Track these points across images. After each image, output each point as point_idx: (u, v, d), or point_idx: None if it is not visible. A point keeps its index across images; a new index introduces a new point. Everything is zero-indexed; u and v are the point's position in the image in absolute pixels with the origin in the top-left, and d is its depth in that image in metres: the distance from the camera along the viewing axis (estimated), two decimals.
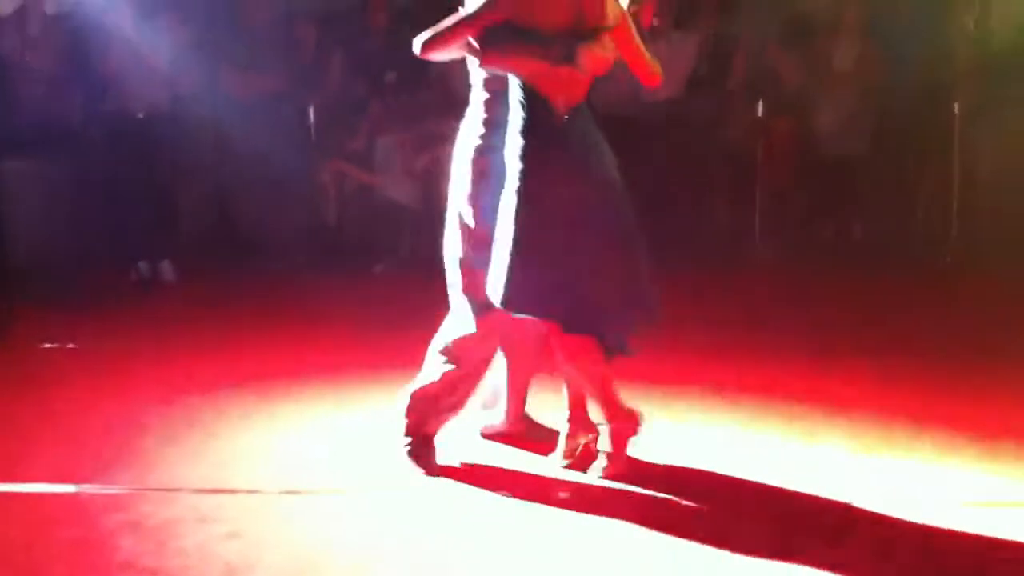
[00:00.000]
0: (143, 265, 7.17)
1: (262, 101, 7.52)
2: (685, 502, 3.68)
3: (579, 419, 3.97)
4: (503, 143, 3.76)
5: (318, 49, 7.98)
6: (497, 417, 4.20)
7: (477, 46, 3.70)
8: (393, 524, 3.54)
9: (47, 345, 5.63)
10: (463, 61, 3.90)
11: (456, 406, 3.98)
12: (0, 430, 4.38)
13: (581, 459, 3.92)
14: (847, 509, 3.62)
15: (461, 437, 4.13)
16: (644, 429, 3.86)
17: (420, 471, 3.87)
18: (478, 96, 3.92)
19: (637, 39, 3.81)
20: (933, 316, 6.23)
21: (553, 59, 3.63)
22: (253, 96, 7.53)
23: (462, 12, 3.74)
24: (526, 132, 3.69)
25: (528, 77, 3.67)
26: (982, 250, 7.29)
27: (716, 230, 7.89)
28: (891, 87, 7.72)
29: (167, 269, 7.19)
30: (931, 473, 3.93)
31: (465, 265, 3.90)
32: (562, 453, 3.96)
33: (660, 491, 3.75)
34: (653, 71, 3.87)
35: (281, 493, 3.76)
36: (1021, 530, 3.46)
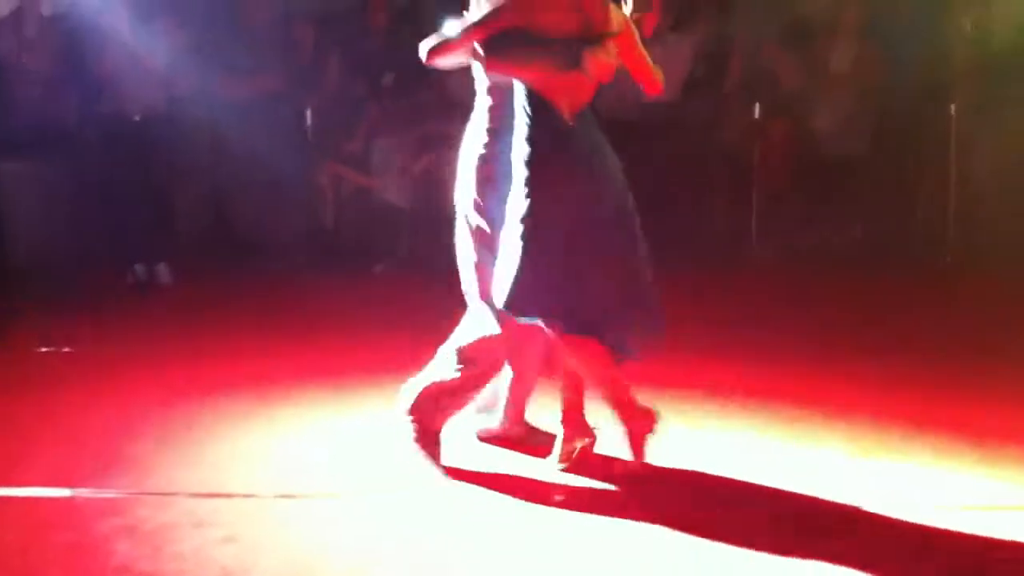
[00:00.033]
0: (139, 268, 7.16)
1: (259, 103, 7.52)
2: (682, 503, 3.67)
3: (576, 423, 3.96)
4: (508, 149, 3.78)
5: (316, 50, 7.97)
6: (494, 420, 4.19)
7: (483, 53, 3.71)
8: (389, 528, 3.53)
9: (43, 349, 5.62)
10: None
11: (463, 404, 3.99)
12: None
13: (577, 463, 3.92)
14: (844, 512, 3.61)
15: (457, 440, 4.12)
16: (661, 427, 3.86)
17: (428, 463, 3.87)
18: (482, 103, 3.94)
19: (640, 47, 3.83)
20: (932, 317, 6.23)
21: (559, 64, 3.64)
22: (250, 97, 7.52)
23: (468, 19, 3.75)
24: (532, 138, 3.71)
25: (533, 83, 3.69)
26: (981, 250, 7.29)
27: (714, 231, 7.88)
28: (889, 88, 7.72)
29: (163, 272, 7.18)
30: (929, 476, 3.92)
31: (481, 268, 3.92)
32: (558, 457, 3.95)
33: (658, 492, 3.75)
34: (656, 79, 3.89)
35: (278, 497, 3.75)
36: (1019, 533, 3.45)
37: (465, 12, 3.81)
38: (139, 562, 3.27)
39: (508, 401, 4.15)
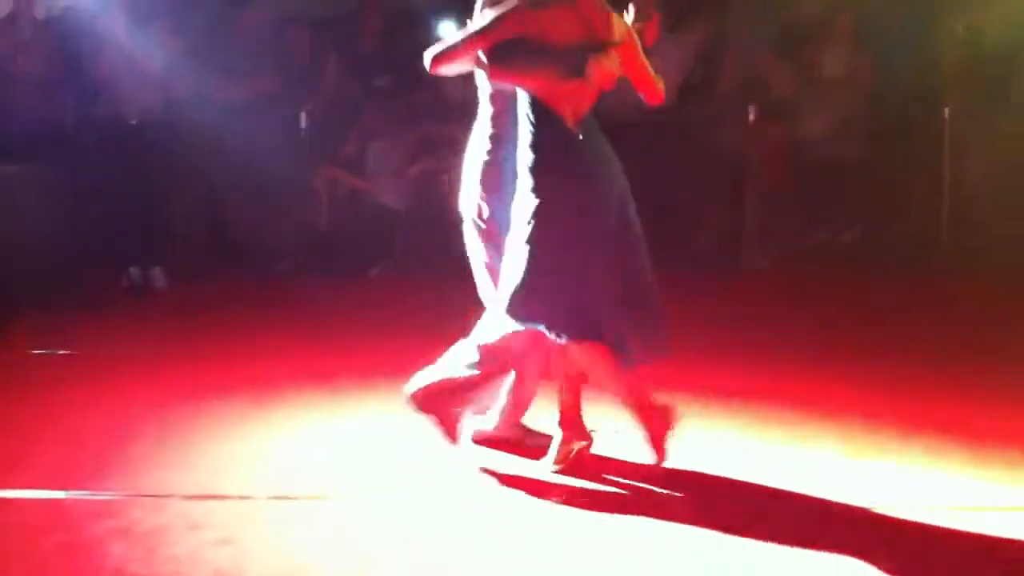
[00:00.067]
0: (134, 271, 7.15)
1: (255, 106, 7.52)
2: (682, 503, 3.67)
3: (573, 425, 3.97)
4: (511, 156, 3.81)
5: (312, 53, 7.98)
6: (490, 422, 4.19)
7: (486, 61, 3.72)
8: (384, 530, 3.52)
9: (37, 351, 5.61)
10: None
11: (474, 401, 4.00)
12: None
13: (573, 465, 3.92)
14: (840, 512, 3.62)
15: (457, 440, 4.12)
16: (680, 423, 3.86)
17: (448, 439, 3.92)
18: (485, 110, 3.96)
19: (642, 56, 3.85)
20: (926, 319, 6.25)
21: (563, 72, 3.66)
22: (246, 100, 7.53)
23: (472, 27, 3.76)
24: (536, 145, 3.73)
25: (537, 90, 3.71)
26: (974, 253, 7.31)
27: (708, 235, 7.89)
28: (882, 92, 7.75)
29: (158, 276, 7.18)
30: (924, 477, 3.92)
31: (493, 270, 3.95)
32: (554, 458, 3.96)
33: (656, 493, 3.75)
34: (657, 88, 3.91)
35: (272, 499, 3.74)
36: (1014, 534, 3.46)
37: (469, 20, 3.82)
38: (133, 564, 3.26)
39: (507, 403, 4.15)
